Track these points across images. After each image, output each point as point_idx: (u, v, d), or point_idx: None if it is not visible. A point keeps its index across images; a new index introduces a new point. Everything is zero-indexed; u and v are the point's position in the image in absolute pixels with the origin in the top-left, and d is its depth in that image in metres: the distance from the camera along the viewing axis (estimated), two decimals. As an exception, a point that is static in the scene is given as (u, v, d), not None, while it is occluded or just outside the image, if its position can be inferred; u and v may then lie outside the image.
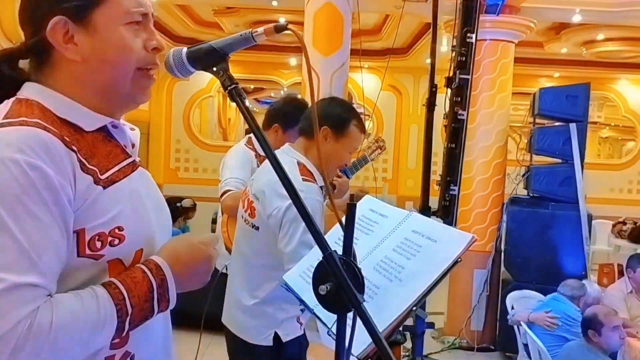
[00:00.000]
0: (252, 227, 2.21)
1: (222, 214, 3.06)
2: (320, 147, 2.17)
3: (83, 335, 0.99)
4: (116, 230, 1.06)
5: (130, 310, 1.03)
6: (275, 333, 2.15)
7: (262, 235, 2.16)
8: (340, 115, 2.21)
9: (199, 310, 2.30)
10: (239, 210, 2.36)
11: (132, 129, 1.24)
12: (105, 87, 1.13)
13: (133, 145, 1.21)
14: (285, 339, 2.16)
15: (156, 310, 1.08)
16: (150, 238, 1.14)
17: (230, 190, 2.94)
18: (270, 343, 2.15)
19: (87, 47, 1.10)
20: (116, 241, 1.06)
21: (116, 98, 1.15)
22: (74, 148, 1.04)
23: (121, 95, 1.15)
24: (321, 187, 2.17)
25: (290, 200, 2.01)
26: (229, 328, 2.30)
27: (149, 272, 1.07)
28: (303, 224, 1.99)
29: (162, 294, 1.08)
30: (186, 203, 7.36)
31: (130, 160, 1.16)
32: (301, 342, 2.24)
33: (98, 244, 1.04)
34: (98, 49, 1.10)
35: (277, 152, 2.43)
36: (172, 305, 1.11)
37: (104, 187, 1.07)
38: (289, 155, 2.20)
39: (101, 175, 1.07)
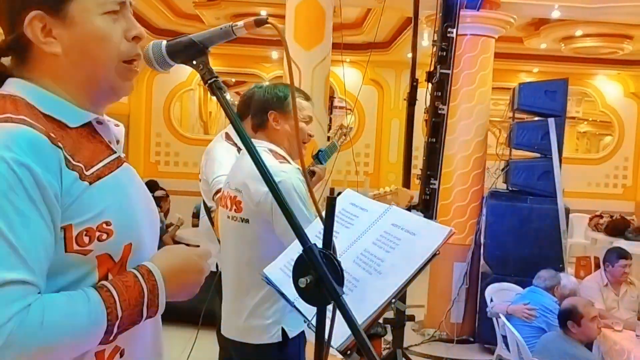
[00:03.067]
0: (242, 221, 2.18)
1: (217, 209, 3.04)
2: (277, 134, 2.24)
3: (72, 337, 0.98)
4: (104, 225, 1.06)
5: (120, 314, 1.03)
6: (282, 328, 2.13)
7: (253, 226, 2.15)
8: (278, 95, 2.25)
9: (188, 306, 2.27)
10: (222, 212, 2.32)
11: (116, 125, 1.23)
12: (87, 80, 1.12)
13: (118, 142, 1.21)
14: (291, 334, 2.14)
15: (145, 315, 1.08)
16: (138, 232, 1.14)
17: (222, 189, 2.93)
18: (279, 339, 2.13)
19: (66, 40, 1.09)
20: (104, 236, 1.06)
21: (99, 91, 1.14)
22: (60, 144, 1.03)
23: (104, 88, 1.14)
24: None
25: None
26: (231, 337, 2.25)
27: (140, 277, 1.08)
28: (296, 199, 2.02)
29: (152, 300, 1.08)
30: (158, 193, 7.36)
31: (115, 156, 1.15)
32: (301, 339, 2.21)
33: (86, 239, 1.04)
34: (77, 41, 1.09)
35: None
36: (160, 311, 1.12)
37: (90, 183, 1.06)
38: (259, 146, 2.20)
39: (87, 171, 1.07)
